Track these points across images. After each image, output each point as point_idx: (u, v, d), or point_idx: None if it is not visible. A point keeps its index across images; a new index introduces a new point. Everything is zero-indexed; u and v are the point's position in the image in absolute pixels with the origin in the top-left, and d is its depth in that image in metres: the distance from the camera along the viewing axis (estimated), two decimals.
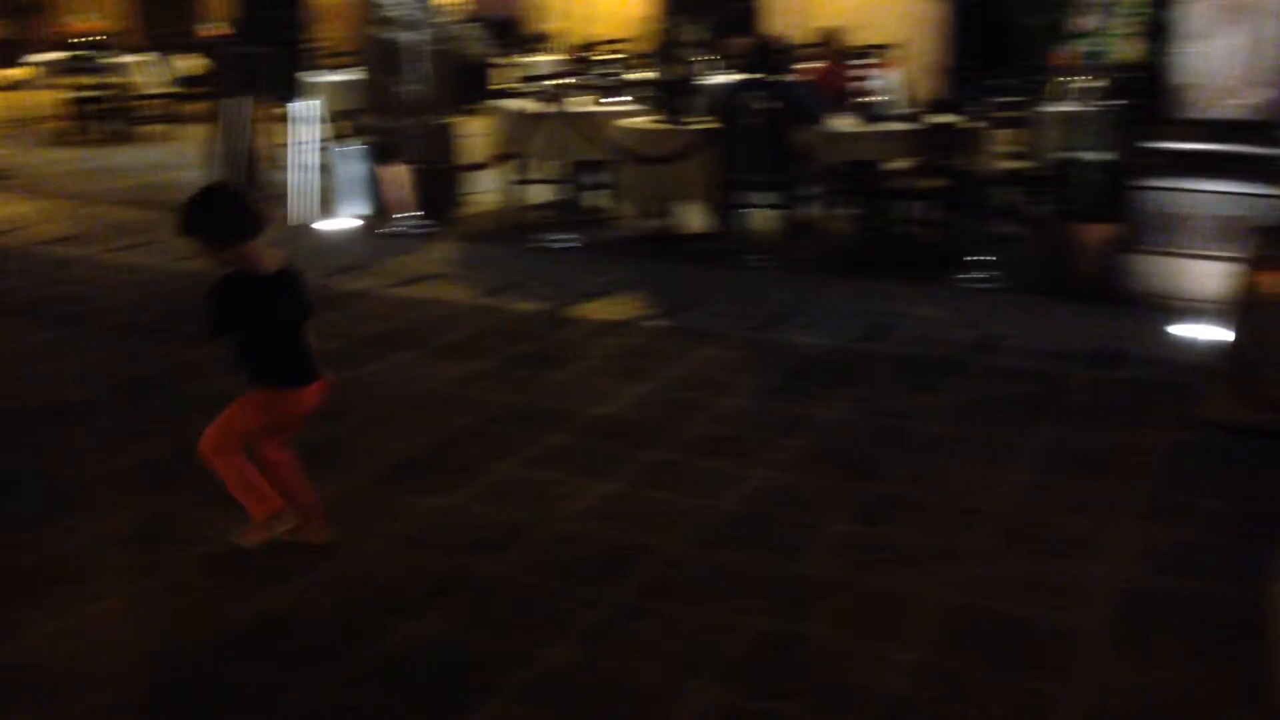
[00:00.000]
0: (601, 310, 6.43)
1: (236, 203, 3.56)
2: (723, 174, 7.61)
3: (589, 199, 9.05)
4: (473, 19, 15.83)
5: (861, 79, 9.88)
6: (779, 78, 7.67)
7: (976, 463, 4.39)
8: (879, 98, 8.22)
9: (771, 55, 7.86)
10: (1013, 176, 8.39)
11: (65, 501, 3.92)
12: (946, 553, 3.67)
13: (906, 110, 8.61)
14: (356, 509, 3.92)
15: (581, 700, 2.88)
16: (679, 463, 4.37)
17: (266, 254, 3.49)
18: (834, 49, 9.58)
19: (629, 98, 9.74)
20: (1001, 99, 8.32)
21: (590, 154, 8.43)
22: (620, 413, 4.87)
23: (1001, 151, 8.11)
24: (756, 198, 7.61)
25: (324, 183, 9.43)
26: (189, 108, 13.57)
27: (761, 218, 7.81)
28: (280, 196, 9.28)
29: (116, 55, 12.85)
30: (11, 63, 13.87)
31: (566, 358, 5.62)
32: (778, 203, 7.79)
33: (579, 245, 7.94)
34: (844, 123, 7.87)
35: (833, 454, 4.48)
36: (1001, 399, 5.11)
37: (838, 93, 8.45)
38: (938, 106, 7.82)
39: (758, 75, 7.63)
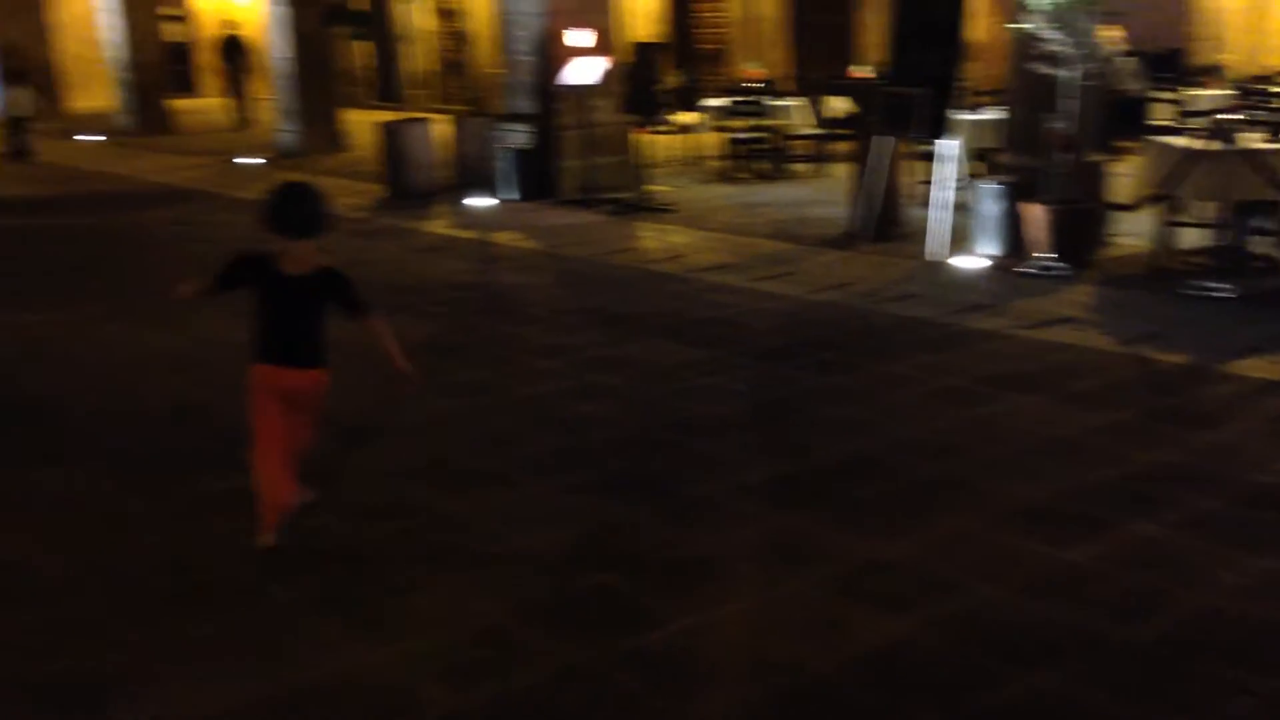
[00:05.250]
0: (1262, 368, 5.78)
1: (296, 204, 3.89)
2: None
3: (1253, 244, 8.18)
4: (1132, 52, 15.04)
5: None
6: None
7: None
8: None
9: None
10: None
11: (703, 508, 4.27)
12: None
13: None
14: (974, 550, 3.86)
15: None
16: None
17: (302, 257, 3.84)
18: None
19: None
20: None
21: (1258, 195, 7.62)
22: None
23: None
24: None
25: (961, 220, 9.46)
26: (836, 147, 14.29)
27: None
28: (915, 233, 9.46)
29: (774, 99, 13.84)
30: (686, 108, 15.48)
31: (1220, 417, 5.11)
32: None
33: (1236, 295, 7.21)
34: None
35: None
36: None
37: None
38: None
39: None
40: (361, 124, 17.32)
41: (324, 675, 3.17)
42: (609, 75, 11.88)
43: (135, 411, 5.49)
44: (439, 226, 10.49)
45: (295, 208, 3.89)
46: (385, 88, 25.07)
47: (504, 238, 10.03)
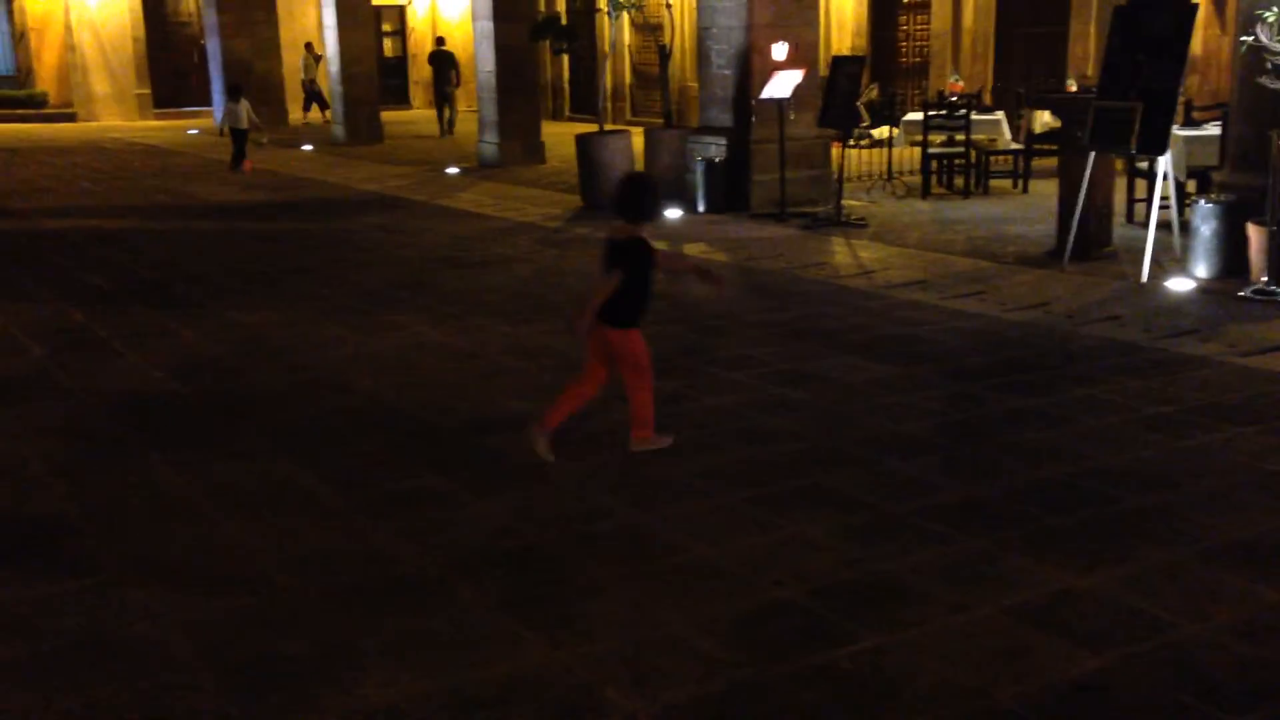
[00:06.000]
0: None
1: (645, 192, 4.81)
2: None
3: None
4: None
5: None
6: None
7: None
8: None
9: None
10: None
11: (893, 527, 4.20)
12: None
13: None
14: (1177, 586, 3.68)
15: None
16: None
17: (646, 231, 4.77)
18: None
19: None
20: None
21: None
22: None
23: None
24: None
25: (1173, 241, 9.03)
26: (1040, 163, 13.85)
27: None
28: (1124, 252, 9.07)
29: (975, 113, 13.52)
30: (884, 122, 15.29)
31: None
32: None
33: None
34: None
35: None
36: None
37: None
38: None
39: None
40: (560, 136, 17.75)
41: (507, 671, 3.26)
42: (807, 89, 11.83)
43: (341, 408, 5.76)
44: None
45: (646, 195, 4.82)
46: (586, 100, 25.59)
47: (695, 249, 10.10)
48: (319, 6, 22.13)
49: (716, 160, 12.09)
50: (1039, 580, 3.72)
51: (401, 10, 31.35)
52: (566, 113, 26.87)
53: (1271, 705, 3.00)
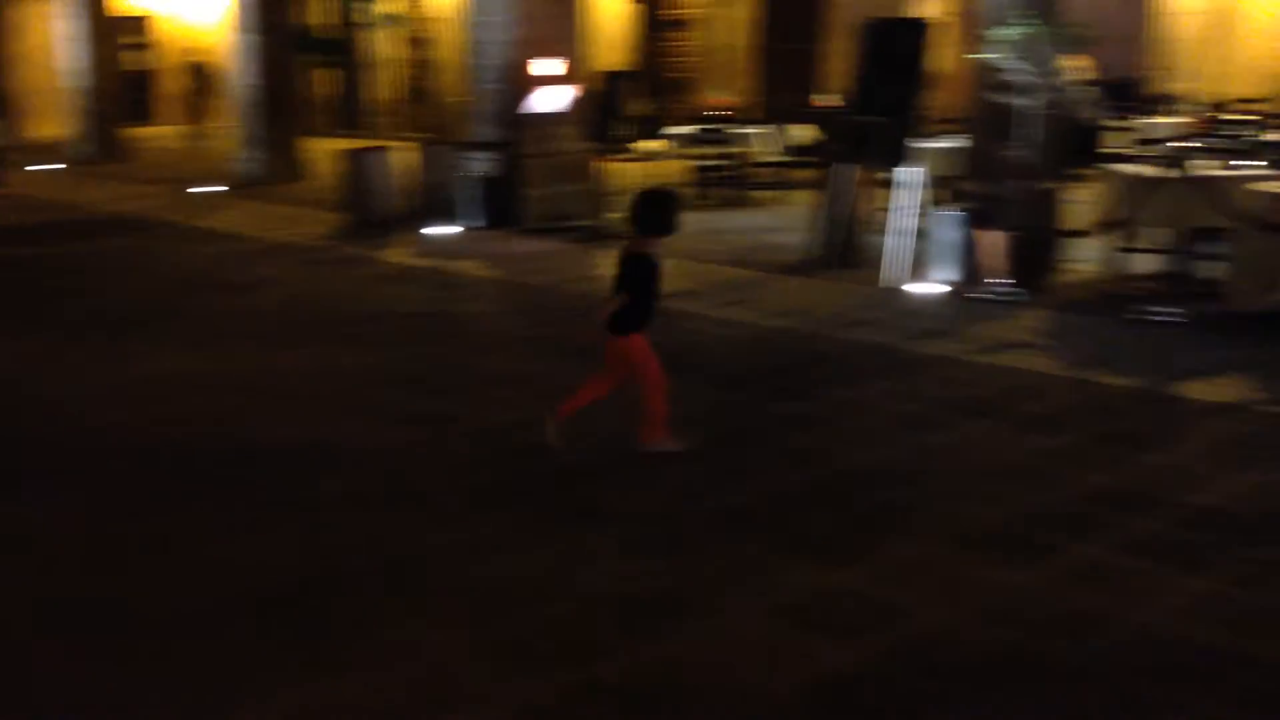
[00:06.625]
0: (1207, 391, 5.88)
1: (650, 206, 4.98)
2: None
3: (1203, 270, 8.32)
4: (1091, 82, 15.24)
5: None
6: None
7: None
8: None
9: None
10: None
11: (659, 539, 4.29)
12: None
13: None
14: (928, 575, 3.90)
15: None
16: None
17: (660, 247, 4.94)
18: None
19: (1264, 161, 8.84)
20: None
21: (1211, 222, 7.75)
22: (1225, 504, 4.41)
23: None
24: None
25: (920, 247, 9.55)
26: (799, 175, 14.41)
27: None
28: (875, 259, 9.54)
29: (739, 127, 13.96)
30: (651, 136, 15.58)
31: (1165, 440, 5.19)
32: None
33: (1185, 320, 7.32)
34: None
35: None
36: None
37: None
38: None
39: None
40: (324, 152, 17.30)
41: (280, 710, 3.15)
42: (575, 103, 11.95)
43: (82, 444, 5.44)
44: (399, 255, 10.49)
45: (657, 211, 4.99)
46: (349, 115, 25.07)
47: (464, 266, 10.05)
48: (54, 19, 20.87)
49: (487, 175, 12.05)
50: (800, 580, 3.87)
51: (144, 21, 29.82)
52: (334, 128, 26.24)
53: (1012, 684, 3.21)
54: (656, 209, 5.01)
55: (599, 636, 3.52)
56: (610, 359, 5.12)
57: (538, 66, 11.73)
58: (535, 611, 3.68)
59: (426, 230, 11.64)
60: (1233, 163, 8.29)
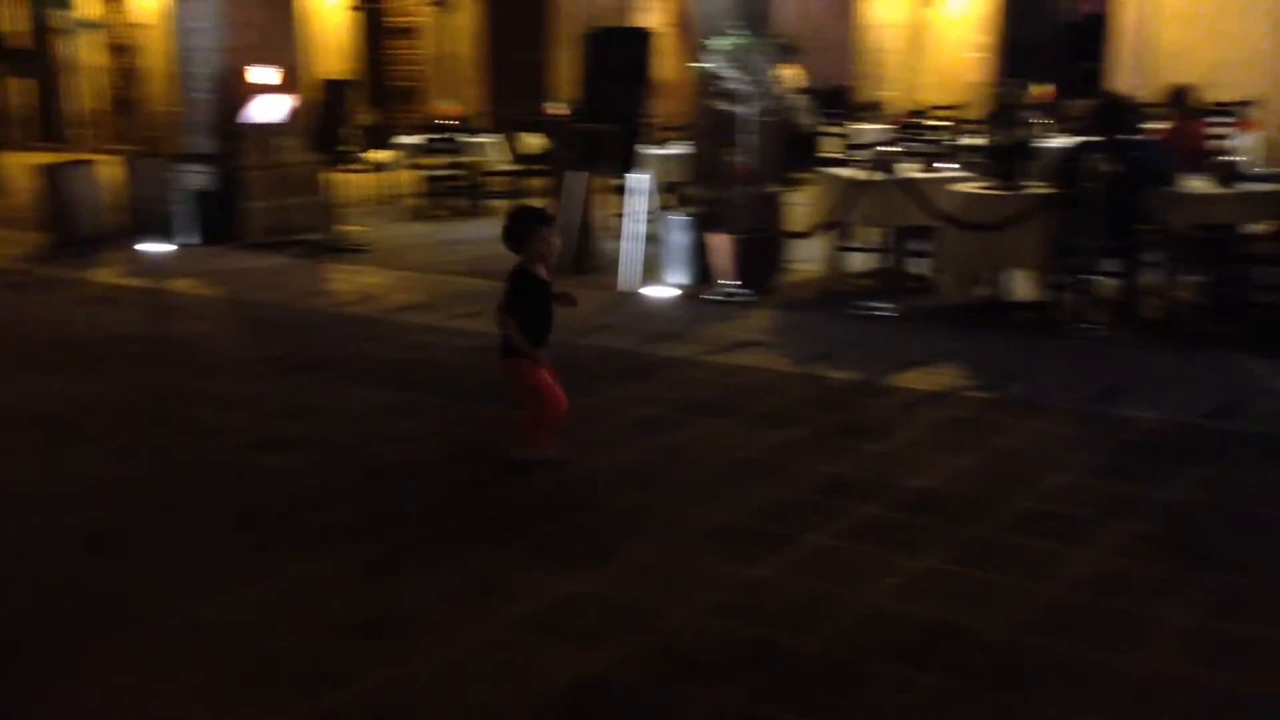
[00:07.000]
0: (922, 380, 6.25)
1: (512, 220, 5.02)
2: (1059, 240, 7.27)
3: (913, 267, 8.87)
4: (805, 90, 15.99)
5: (1216, 138, 9.22)
6: (1126, 137, 7.29)
7: None
8: (1236, 157, 7.60)
9: (1119, 114, 7.49)
10: None
11: (398, 557, 4.16)
12: None
13: (1266, 171, 7.95)
14: (668, 575, 3.95)
15: None
16: (1000, 541, 4.14)
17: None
18: (1185, 107, 8.97)
19: (959, 163, 9.50)
20: None
21: (915, 221, 8.27)
22: (939, 487, 4.68)
23: None
24: (1095, 264, 7.19)
25: (652, 252, 9.74)
26: (531, 183, 14.44)
27: (1100, 285, 7.37)
28: (610, 264, 9.66)
29: (469, 136, 13.85)
30: (380, 146, 15.25)
31: (884, 428, 5.47)
32: (1118, 269, 7.35)
33: (900, 314, 7.78)
34: (1197, 184, 7.34)
35: (1173, 538, 4.11)
36: None
37: (1190, 153, 7.90)
38: None
39: (1103, 136, 7.28)
40: (20, 167, 16.05)
41: None
42: (295, 113, 11.54)
43: None
44: (109, 275, 9.82)
45: (517, 224, 4.97)
46: (48, 128, 23.39)
47: (182, 285, 9.52)
48: None
49: (203, 189, 11.47)
50: (540, 589, 3.84)
51: None
52: (32, 141, 24.39)
53: (748, 673, 3.28)
54: (510, 222, 5.01)
55: (330, 665, 3.37)
56: (506, 383, 5.08)
57: (255, 74, 11.27)
58: (262, 645, 3.49)
59: (140, 248, 10.98)
60: (932, 166, 8.85)
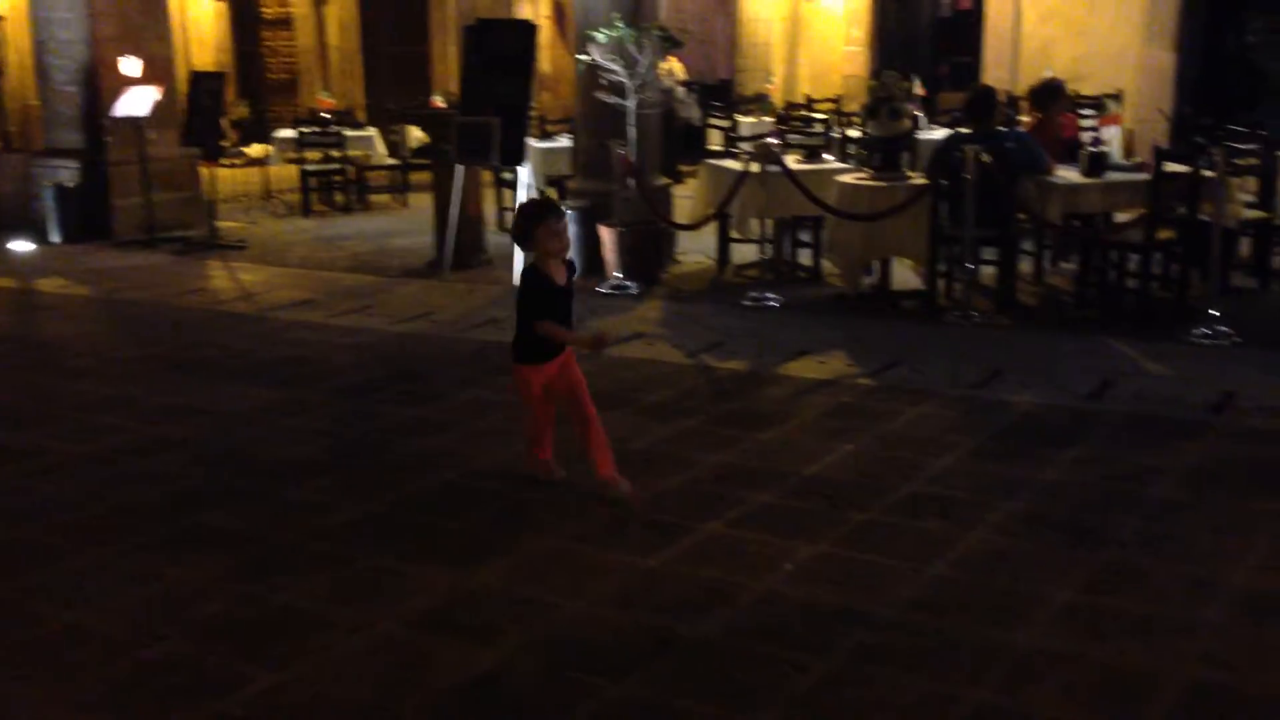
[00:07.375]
0: (809, 369, 6.34)
1: (519, 215, 4.74)
2: (936, 229, 7.45)
3: (797, 257, 9.00)
4: (688, 83, 16.10)
5: (1083, 130, 9.54)
6: (998, 129, 7.52)
7: (1211, 530, 4.08)
8: (1101, 148, 7.88)
9: (991, 107, 7.73)
10: (1249, 227, 7.90)
11: (287, 556, 4.07)
12: (1179, 626, 3.41)
13: (1128, 161, 8.28)
14: (565, 567, 3.93)
15: None
16: (888, 524, 4.22)
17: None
18: (1054, 100, 9.25)
19: (838, 155, 9.66)
20: (1239, 146, 7.86)
21: (798, 212, 8.38)
22: (828, 473, 4.75)
23: (1239, 201, 7.64)
24: (973, 253, 7.39)
25: None
26: (416, 177, 14.26)
27: (979, 273, 7.57)
28: (496, 259, 9.58)
29: (348, 130, 13.61)
30: (256, 140, 14.90)
31: (774, 417, 5.53)
32: (995, 257, 7.57)
33: (786, 304, 7.87)
34: (1066, 175, 7.59)
35: (1053, 518, 4.24)
36: (1238, 461, 4.75)
37: (1059, 144, 8.16)
38: (1166, 155, 7.43)
39: (975, 128, 7.50)
40: None
41: None
42: (167, 106, 11.18)
43: None
44: None
45: (524, 218, 4.59)
46: None
47: (51, 284, 9.17)
48: None
49: (69, 185, 11.06)
50: (434, 585, 3.79)
51: None
52: None
53: (647, 663, 3.29)
54: (521, 218, 4.67)
55: (214, 671, 3.28)
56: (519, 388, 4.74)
57: (125, 66, 10.89)
58: (142, 653, 3.38)
59: (4, 246, 10.54)
60: (812, 157, 8.97)
